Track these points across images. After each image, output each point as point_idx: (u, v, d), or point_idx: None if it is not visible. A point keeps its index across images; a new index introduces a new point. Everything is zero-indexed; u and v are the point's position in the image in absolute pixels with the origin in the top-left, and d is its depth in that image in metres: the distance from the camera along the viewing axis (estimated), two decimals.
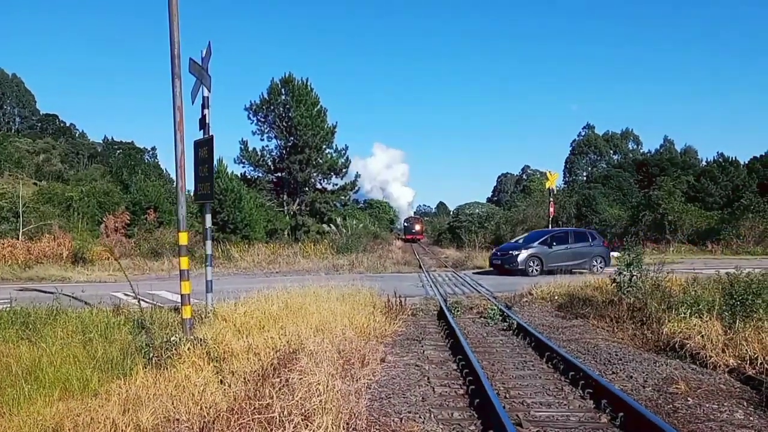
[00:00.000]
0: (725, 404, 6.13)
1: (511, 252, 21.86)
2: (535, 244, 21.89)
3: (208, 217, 10.40)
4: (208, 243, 10.45)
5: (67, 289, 14.32)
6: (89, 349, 7.63)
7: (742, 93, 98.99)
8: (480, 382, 6.46)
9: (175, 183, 9.04)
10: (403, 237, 70.31)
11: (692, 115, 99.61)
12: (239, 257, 29.75)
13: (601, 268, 21.32)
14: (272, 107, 45.84)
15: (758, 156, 46.34)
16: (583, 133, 75.53)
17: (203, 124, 10.56)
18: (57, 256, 27.61)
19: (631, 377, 7.29)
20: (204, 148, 10.12)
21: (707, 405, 6.09)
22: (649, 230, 36.47)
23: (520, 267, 21.06)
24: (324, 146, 45.70)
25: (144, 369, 6.88)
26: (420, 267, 27.52)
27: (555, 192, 28.67)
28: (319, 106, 45.36)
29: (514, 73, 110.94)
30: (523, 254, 21.34)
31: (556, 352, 8.16)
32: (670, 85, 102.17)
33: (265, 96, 45.77)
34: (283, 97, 45.35)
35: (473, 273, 23.28)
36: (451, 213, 69.71)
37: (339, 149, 46.90)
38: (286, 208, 46.35)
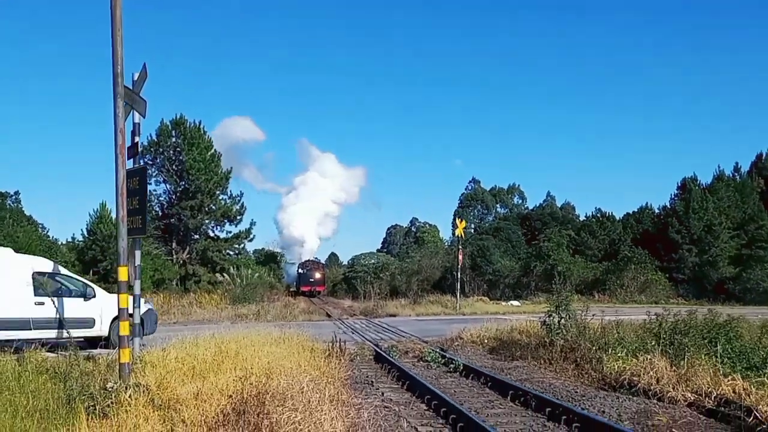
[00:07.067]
0: None
1: None
2: None
3: (138, 254, 9.55)
4: (137, 282, 9.53)
5: None
6: (12, 399, 6.60)
7: (616, 151, 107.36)
8: (470, 419, 6.15)
9: (115, 213, 8.21)
10: (297, 289, 51.09)
11: (573, 172, 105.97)
12: None
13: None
14: (162, 149, 43.84)
15: (631, 212, 49.83)
16: (470, 187, 78.35)
17: (133, 153, 9.80)
18: None
19: (604, 412, 7.25)
20: (134, 178, 9.34)
21: None
22: (540, 280, 37.86)
23: None
24: (218, 192, 44.15)
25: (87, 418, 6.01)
26: (328, 316, 26.91)
27: (462, 240, 29.18)
28: (212, 150, 43.92)
29: (398, 122, 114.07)
30: None
31: (521, 389, 8.02)
32: (553, 142, 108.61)
33: (154, 137, 43.80)
34: (174, 139, 43.58)
35: (389, 320, 22.85)
36: (345, 263, 69.06)
37: (233, 195, 45.50)
38: (175, 256, 44.03)
